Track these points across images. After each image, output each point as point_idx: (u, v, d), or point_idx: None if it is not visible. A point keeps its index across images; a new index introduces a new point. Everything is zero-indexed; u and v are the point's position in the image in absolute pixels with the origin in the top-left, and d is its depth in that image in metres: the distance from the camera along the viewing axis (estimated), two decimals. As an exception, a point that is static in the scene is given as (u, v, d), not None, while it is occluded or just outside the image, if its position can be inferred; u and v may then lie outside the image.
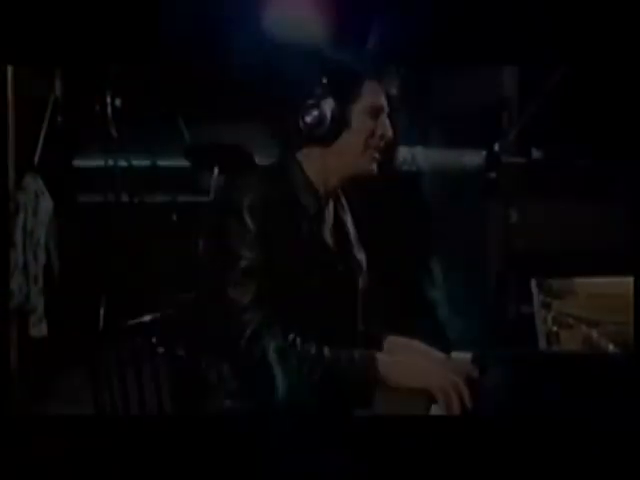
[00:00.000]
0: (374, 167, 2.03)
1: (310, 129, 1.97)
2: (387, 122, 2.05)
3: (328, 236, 2.03)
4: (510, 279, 3.03)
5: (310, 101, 1.97)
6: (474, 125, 3.94)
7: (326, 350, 1.84)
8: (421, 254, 3.49)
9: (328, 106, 1.98)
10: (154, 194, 4.47)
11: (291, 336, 1.84)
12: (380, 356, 1.87)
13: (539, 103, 2.67)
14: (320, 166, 2.01)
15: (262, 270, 1.89)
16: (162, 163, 4.68)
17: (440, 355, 2.04)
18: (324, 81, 1.96)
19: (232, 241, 1.89)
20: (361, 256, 2.13)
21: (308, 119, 1.98)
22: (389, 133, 2.02)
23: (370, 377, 1.85)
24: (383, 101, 2.03)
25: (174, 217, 4.34)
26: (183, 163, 4.37)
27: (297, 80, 1.99)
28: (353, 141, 2.01)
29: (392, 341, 2.09)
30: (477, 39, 3.35)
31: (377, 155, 2.03)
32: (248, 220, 1.90)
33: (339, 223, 2.11)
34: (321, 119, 1.97)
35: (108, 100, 3.95)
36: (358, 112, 2.01)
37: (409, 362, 1.89)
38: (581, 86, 3.65)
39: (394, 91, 2.05)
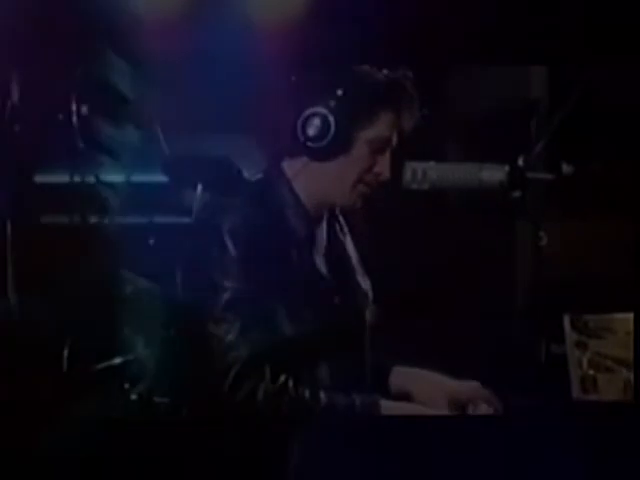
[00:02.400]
0: (358, 204, 2.02)
1: (308, 139, 1.97)
2: (389, 161, 2.04)
3: (321, 262, 2.03)
4: (538, 313, 3.01)
5: (316, 109, 1.97)
6: (495, 136, 3.94)
7: (322, 395, 1.82)
8: (435, 284, 3.47)
9: (335, 122, 1.97)
10: (127, 215, 4.46)
11: (282, 378, 1.82)
12: (384, 403, 1.85)
13: (571, 110, 2.66)
14: (310, 186, 2.02)
15: (247, 303, 1.88)
16: (136, 179, 4.68)
17: (453, 381, 2.02)
18: (339, 93, 1.95)
19: (213, 270, 1.89)
20: (366, 285, 2.12)
21: (309, 127, 1.97)
22: (386, 174, 2.02)
23: (372, 422, 1.84)
24: (393, 136, 2.03)
25: (151, 241, 4.33)
26: (161, 179, 4.37)
27: (307, 83, 1.98)
28: (347, 170, 2.01)
29: (399, 374, 2.06)
30: (499, 35, 3.36)
31: (368, 191, 2.02)
32: (230, 246, 1.90)
33: (336, 246, 2.10)
34: (323, 132, 1.97)
35: (73, 107, 3.96)
36: (363, 140, 2.01)
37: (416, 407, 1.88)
38: (621, 90, 3.64)
39: (409, 126, 2.04)
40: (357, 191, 2.06)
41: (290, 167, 2.05)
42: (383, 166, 2.07)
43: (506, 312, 3.60)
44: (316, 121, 2.00)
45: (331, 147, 2.00)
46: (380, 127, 2.05)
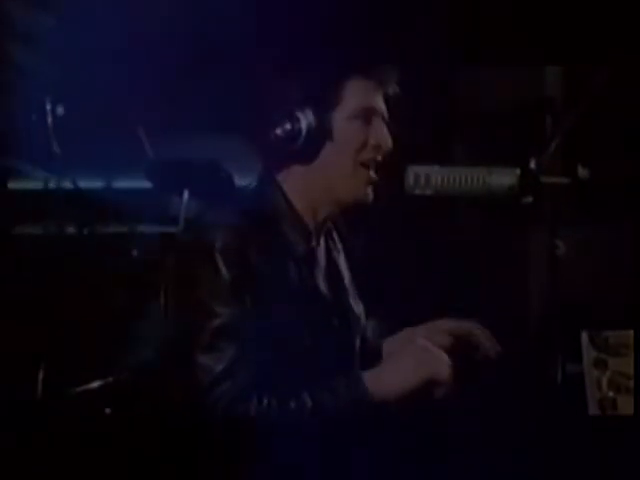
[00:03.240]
0: (368, 191, 1.99)
1: (283, 144, 1.94)
2: (383, 128, 2.00)
3: (322, 282, 2.00)
4: (554, 329, 3.00)
5: (282, 110, 1.94)
6: (504, 136, 3.91)
7: (307, 399, 1.80)
8: (441, 299, 3.45)
9: (303, 115, 1.95)
10: (108, 224, 4.43)
11: (265, 401, 1.80)
12: (365, 375, 1.84)
13: (587, 108, 2.63)
14: (305, 191, 1.98)
15: (239, 330, 1.85)
16: (118, 185, 4.65)
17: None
18: (296, 83, 1.94)
19: (202, 293, 1.86)
20: (359, 308, 2.09)
21: (279, 131, 1.95)
22: (386, 142, 1.98)
23: (362, 401, 1.84)
24: (375, 102, 1.99)
25: (134, 253, 4.30)
26: (145, 185, 4.35)
27: (265, 84, 1.97)
28: (339, 157, 1.97)
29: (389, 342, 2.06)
30: (509, 31, 3.35)
31: (372, 174, 1.99)
32: (221, 266, 1.87)
33: (332, 265, 2.08)
34: (295, 131, 1.94)
35: (48, 107, 3.93)
36: (342, 118, 1.97)
37: (392, 365, 1.87)
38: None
39: (392, 90, 2.00)
40: (360, 176, 2.01)
41: (281, 173, 2.01)
42: (378, 135, 2.01)
43: (519, 328, 3.58)
44: (285, 123, 1.97)
45: (308, 143, 1.97)
46: (353, 98, 2.00)
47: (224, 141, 4.47)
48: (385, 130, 2.04)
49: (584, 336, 2.13)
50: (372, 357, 2.08)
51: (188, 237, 2.02)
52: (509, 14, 3.83)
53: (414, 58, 2.22)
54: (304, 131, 1.97)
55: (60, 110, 3.93)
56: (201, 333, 1.87)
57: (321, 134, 1.98)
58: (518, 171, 2.17)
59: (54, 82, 3.93)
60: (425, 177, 2.08)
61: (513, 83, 4.07)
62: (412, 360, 1.90)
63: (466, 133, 4.14)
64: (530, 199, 2.19)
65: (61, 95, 3.94)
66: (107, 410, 2.07)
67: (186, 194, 4.14)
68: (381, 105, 2.03)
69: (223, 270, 1.90)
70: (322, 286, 2.03)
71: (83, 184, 4.38)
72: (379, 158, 2.04)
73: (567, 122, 2.75)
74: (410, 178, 2.08)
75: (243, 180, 3.62)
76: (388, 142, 2.03)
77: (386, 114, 2.05)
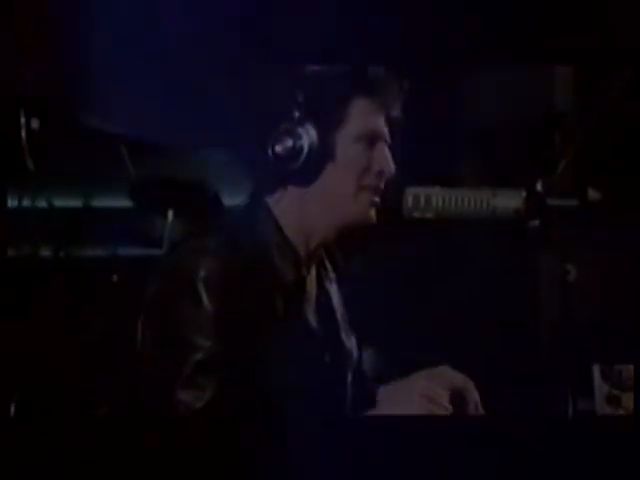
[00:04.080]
0: (372, 214, 2.00)
1: (282, 163, 1.94)
2: (387, 154, 2.01)
3: (312, 315, 1.99)
4: (563, 362, 2.99)
5: (283, 126, 1.95)
6: (510, 155, 3.91)
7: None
8: (442, 330, 3.44)
9: (305, 132, 1.95)
10: (86, 247, 4.43)
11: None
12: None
13: (599, 125, 2.63)
14: (298, 216, 1.98)
15: (222, 365, 1.84)
16: (98, 204, 4.64)
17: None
18: (299, 99, 1.94)
19: (182, 325, 1.86)
20: (350, 343, 2.09)
21: (279, 149, 1.95)
22: (389, 169, 1.99)
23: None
24: (380, 125, 2.00)
25: (114, 278, 4.29)
26: (126, 204, 4.34)
27: (266, 99, 1.97)
28: (340, 179, 1.98)
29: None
30: (515, 32, 3.34)
31: (375, 198, 1.99)
32: (204, 296, 1.86)
33: (323, 296, 2.07)
34: (295, 149, 1.95)
35: (22, 120, 3.93)
36: (345, 140, 1.98)
37: (390, 409, 1.88)
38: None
39: (396, 112, 2.02)
40: (363, 200, 2.02)
41: (273, 196, 2.01)
42: (382, 161, 2.03)
43: (526, 361, 3.57)
44: (286, 140, 1.97)
45: (310, 163, 1.97)
46: (358, 120, 2.01)
47: (212, 158, 4.48)
48: (389, 156, 2.05)
49: (596, 370, 2.12)
50: (363, 395, 2.07)
51: (170, 263, 2.01)
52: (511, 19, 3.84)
53: (416, 71, 2.22)
54: (305, 149, 1.97)
55: (35, 123, 3.92)
56: (180, 367, 1.86)
57: (323, 154, 1.99)
58: (524, 193, 2.16)
59: (29, 93, 3.93)
60: (425, 199, 2.08)
61: (519, 97, 4.07)
62: (412, 406, 1.90)
63: (469, 152, 4.14)
64: (537, 222, 2.18)
65: (36, 107, 3.93)
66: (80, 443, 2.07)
67: (170, 214, 4.14)
68: (384, 128, 2.05)
69: (205, 300, 1.89)
70: (312, 319, 2.02)
71: (59, 203, 4.38)
72: (381, 185, 2.05)
73: (577, 140, 2.76)
74: (409, 200, 2.07)
75: (231, 200, 3.63)
76: (391, 169, 2.04)
77: (389, 138, 2.06)
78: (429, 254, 3.93)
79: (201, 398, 1.85)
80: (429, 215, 2.08)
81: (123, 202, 4.36)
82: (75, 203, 4.55)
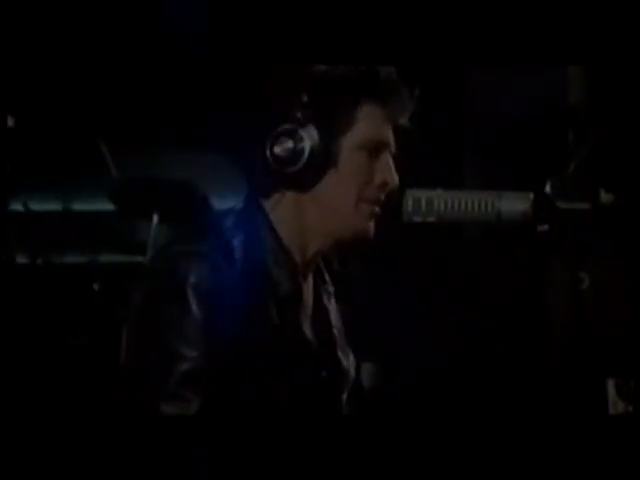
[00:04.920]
0: (371, 228, 2.00)
1: (280, 165, 1.94)
2: (391, 166, 2.02)
3: (308, 327, 1.99)
4: (575, 376, 3.00)
5: (284, 127, 1.95)
6: (517, 155, 3.92)
7: None
8: (446, 345, 3.43)
9: (308, 135, 1.96)
10: (65, 253, 4.43)
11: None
12: None
13: (611, 121, 2.63)
14: (295, 223, 1.99)
15: (210, 377, 1.84)
16: (77, 207, 4.65)
17: None
18: (304, 99, 1.94)
19: (168, 333, 1.86)
20: (347, 362, 2.09)
21: (278, 150, 1.95)
22: (393, 181, 2.00)
23: None
24: (387, 134, 2.01)
25: (95, 287, 4.30)
26: (108, 207, 4.35)
27: (267, 97, 1.97)
28: (341, 187, 1.98)
29: None
30: (525, 31, 3.36)
31: (376, 209, 2.00)
32: (193, 304, 1.87)
33: (320, 309, 2.07)
34: (296, 152, 1.95)
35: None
36: (350, 147, 1.98)
37: None
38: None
39: (405, 121, 2.02)
40: (363, 211, 2.03)
41: (270, 198, 2.02)
42: (385, 174, 2.02)
43: (534, 377, 3.57)
44: (286, 141, 1.97)
45: (310, 167, 1.97)
46: (364, 127, 2.00)
47: (201, 158, 4.48)
48: (393, 167, 2.05)
49: (610, 385, 2.12)
50: (359, 416, 2.08)
51: (157, 268, 2.01)
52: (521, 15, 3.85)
53: (422, 69, 2.22)
54: (307, 153, 1.98)
55: (10, 122, 3.93)
56: (166, 378, 1.87)
57: (325, 159, 1.99)
58: (532, 195, 2.16)
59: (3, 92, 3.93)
60: (426, 202, 2.07)
61: (528, 90, 4.07)
62: None
63: (473, 151, 4.14)
64: (546, 227, 2.18)
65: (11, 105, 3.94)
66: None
67: (155, 218, 4.14)
68: (391, 138, 2.05)
69: (194, 308, 1.89)
70: (308, 332, 2.03)
71: (36, 207, 4.39)
72: (383, 197, 2.06)
73: (590, 138, 2.76)
74: (409, 203, 2.06)
75: (222, 204, 3.63)
76: (395, 181, 2.05)
77: (394, 148, 2.07)
78: (430, 262, 3.93)
79: (187, 411, 1.86)
80: (431, 219, 2.07)
81: (104, 205, 4.36)
82: (53, 207, 4.56)
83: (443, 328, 3.77)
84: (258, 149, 1.98)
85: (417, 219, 2.05)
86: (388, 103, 2.02)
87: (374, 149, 2.03)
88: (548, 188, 2.16)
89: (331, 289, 2.14)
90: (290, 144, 1.97)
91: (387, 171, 2.04)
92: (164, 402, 1.86)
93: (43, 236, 4.33)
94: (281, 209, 2.03)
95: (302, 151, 1.97)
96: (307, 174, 1.98)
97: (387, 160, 2.04)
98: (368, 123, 2.02)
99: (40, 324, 4.13)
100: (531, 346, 3.74)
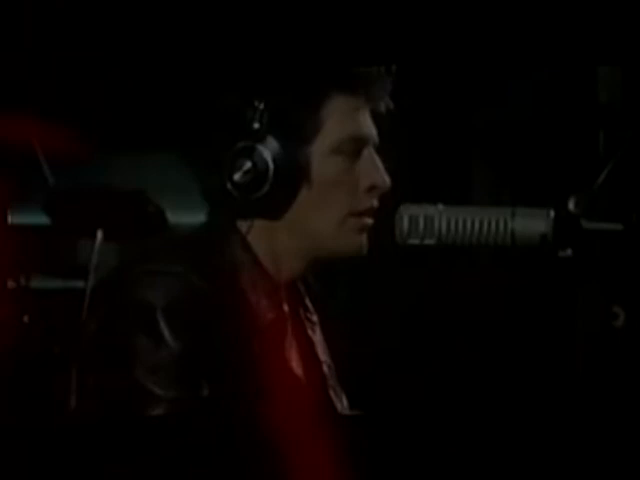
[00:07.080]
0: (362, 243, 2.01)
1: (243, 193, 1.95)
2: (377, 162, 2.01)
3: (295, 359, 1.99)
4: (610, 429, 3.01)
5: (239, 145, 1.95)
6: (534, 164, 3.92)
7: None
8: (451, 390, 3.42)
9: (267, 150, 1.96)
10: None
11: None
12: None
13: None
14: (272, 251, 2.00)
15: (187, 421, 1.87)
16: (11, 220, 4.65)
17: None
18: (260, 106, 1.94)
19: (136, 370, 1.85)
20: (342, 405, 2.09)
21: (237, 177, 1.95)
22: (382, 180, 1.99)
23: None
24: (364, 125, 2.00)
25: (24, 319, 4.29)
26: (43, 221, 4.34)
27: (215, 110, 1.97)
28: (318, 206, 2.00)
29: None
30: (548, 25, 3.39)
31: (367, 221, 2.00)
32: (165, 331, 1.86)
33: (304, 341, 2.08)
34: (257, 174, 1.95)
35: None
36: (320, 154, 1.98)
37: None
38: None
39: (385, 105, 2.01)
40: (351, 226, 2.03)
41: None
42: (371, 174, 2.01)
43: (561, 429, 3.57)
44: (244, 163, 1.96)
45: (277, 191, 1.97)
46: (335, 126, 2.00)
47: (154, 163, 4.49)
48: (379, 164, 2.05)
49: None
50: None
51: (114, 292, 2.00)
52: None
53: (410, 58, 2.23)
54: (270, 172, 1.98)
55: None
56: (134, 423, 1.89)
57: (293, 176, 1.99)
58: (552, 213, 2.16)
59: None
60: (425, 221, 2.07)
61: (549, 88, 4.08)
62: None
63: (482, 161, 4.15)
64: (570, 252, 2.18)
65: None
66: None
67: (99, 235, 4.14)
68: (372, 129, 2.05)
69: (167, 336, 1.90)
70: (296, 366, 2.04)
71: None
72: (375, 204, 2.05)
73: (624, 144, 2.74)
74: (404, 222, 2.06)
75: (184, 217, 3.63)
76: (385, 181, 2.04)
77: (377, 140, 2.06)
78: (429, 292, 3.94)
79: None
80: (430, 242, 2.07)
81: (39, 219, 4.36)
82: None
83: (446, 369, 3.79)
84: (214, 177, 1.99)
85: (414, 241, 2.05)
86: (358, 88, 2.01)
87: (352, 150, 2.02)
88: (572, 205, 2.16)
89: (314, 318, 2.15)
90: (248, 165, 1.97)
91: (373, 171, 2.04)
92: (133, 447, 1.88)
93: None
94: (254, 235, 2.04)
95: (264, 171, 1.97)
96: (275, 198, 1.98)
97: (371, 158, 2.04)
98: (338, 120, 2.02)
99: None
100: (554, 394, 3.74)
